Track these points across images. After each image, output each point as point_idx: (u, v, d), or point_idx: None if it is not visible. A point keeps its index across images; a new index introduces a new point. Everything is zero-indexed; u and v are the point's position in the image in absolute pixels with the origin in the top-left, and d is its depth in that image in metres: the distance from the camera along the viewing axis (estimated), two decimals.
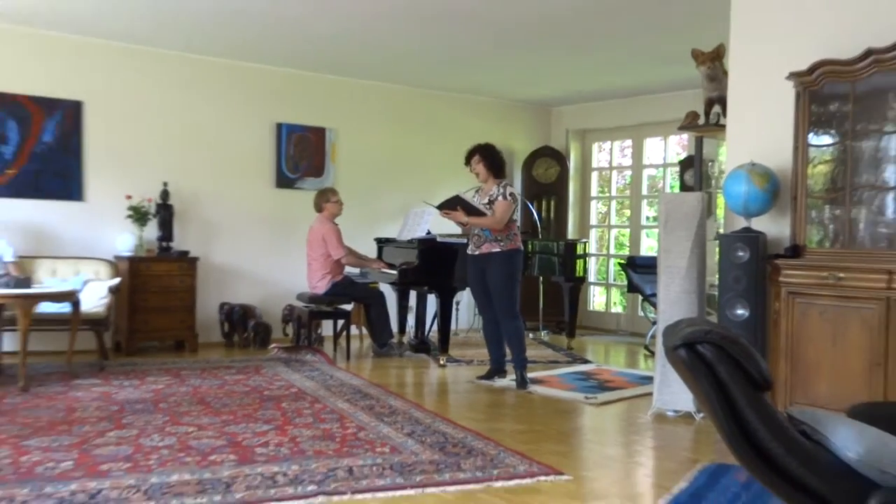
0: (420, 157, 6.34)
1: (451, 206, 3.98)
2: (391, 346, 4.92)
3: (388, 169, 6.19)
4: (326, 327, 5.53)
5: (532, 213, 6.61)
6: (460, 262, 4.56)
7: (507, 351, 4.09)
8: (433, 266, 4.63)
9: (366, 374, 4.39)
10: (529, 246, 5.51)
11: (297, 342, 5.09)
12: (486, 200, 3.99)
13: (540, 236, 6.58)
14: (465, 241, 4.52)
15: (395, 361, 4.82)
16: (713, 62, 3.72)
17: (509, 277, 3.91)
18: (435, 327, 5.14)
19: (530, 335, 6.13)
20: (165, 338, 4.88)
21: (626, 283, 5.88)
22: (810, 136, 3.09)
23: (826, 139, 3.07)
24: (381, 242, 5.40)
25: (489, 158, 4.02)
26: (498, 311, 3.98)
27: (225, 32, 4.54)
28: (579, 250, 5.68)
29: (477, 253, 4.01)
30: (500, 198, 3.96)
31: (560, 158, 6.96)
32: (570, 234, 6.99)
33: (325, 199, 4.81)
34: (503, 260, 3.93)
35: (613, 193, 6.99)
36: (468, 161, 4.09)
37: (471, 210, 3.95)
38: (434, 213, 4.55)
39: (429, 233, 4.92)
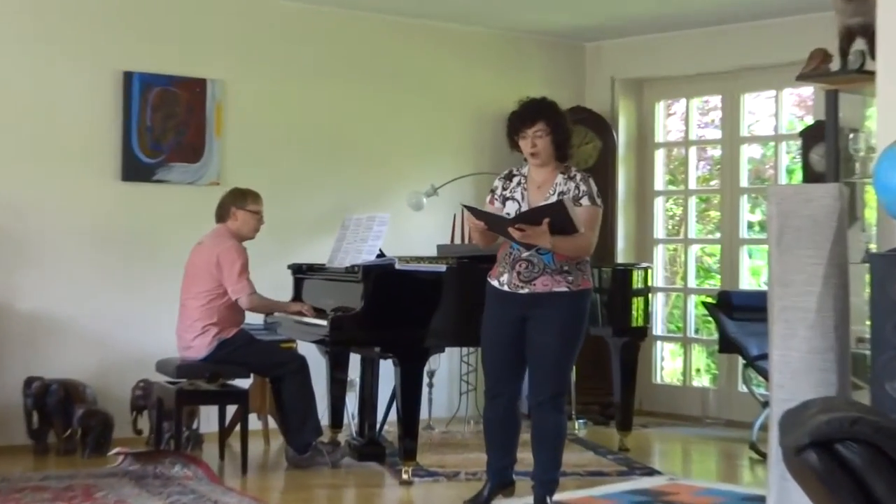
0: (372, 127, 6.53)
1: (535, 217, 3.83)
2: (318, 451, 5.03)
3: (317, 148, 6.36)
4: (208, 418, 5.55)
5: None
6: (438, 304, 4.71)
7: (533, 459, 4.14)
8: (390, 312, 4.75)
9: (275, 498, 4.49)
10: None
11: (158, 444, 5.18)
12: (552, 199, 3.95)
13: None
14: (441, 267, 4.74)
15: (325, 475, 4.91)
16: None
17: (575, 337, 3.98)
18: (394, 416, 5.08)
19: None
20: None
21: (715, 336, 5.98)
22: None
23: None
24: (301, 272, 5.57)
25: (561, 133, 4.01)
26: (535, 392, 4.03)
27: None
28: (636, 282, 5.71)
29: (524, 292, 3.98)
30: (586, 202, 3.96)
31: (601, 127, 7.07)
32: (621, 254, 7.14)
33: (239, 204, 5.04)
34: (572, 307, 3.97)
35: (692, 185, 7.14)
36: (522, 126, 3.98)
37: (559, 221, 3.82)
38: (389, 219, 4.90)
39: (382, 254, 5.00)
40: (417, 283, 4.78)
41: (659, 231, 7.27)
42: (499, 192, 4.08)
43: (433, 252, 5.39)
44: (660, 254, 7.28)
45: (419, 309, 4.75)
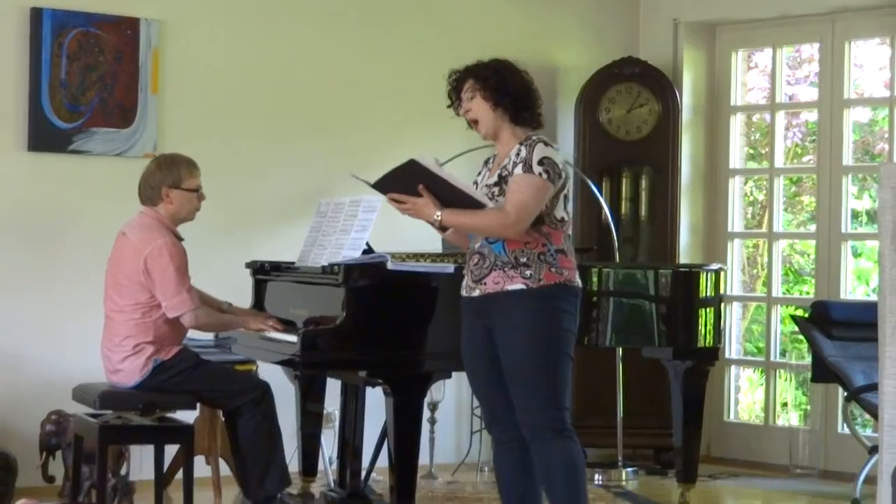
0: (359, 83, 6.53)
1: (406, 183, 4.15)
2: None
3: (285, 110, 6.40)
4: (141, 462, 5.54)
5: (601, 207, 6.75)
6: (443, 315, 4.71)
7: None
8: (380, 325, 4.74)
9: None
10: (593, 278, 5.40)
11: (75, 496, 5.13)
12: (492, 180, 4.23)
13: (617, 257, 6.70)
14: (449, 267, 4.73)
15: None
16: None
17: (547, 345, 4.11)
18: (384, 461, 4.97)
19: (596, 477, 6.23)
20: None
21: (808, 361, 6.03)
22: None
23: None
24: (264, 272, 5.57)
25: (499, 86, 4.23)
26: (523, 419, 4.15)
27: None
28: (705, 288, 5.65)
29: (476, 294, 4.20)
30: (518, 169, 4.13)
31: (659, 85, 7.15)
32: (684, 252, 7.15)
33: (171, 182, 4.95)
34: (532, 308, 4.12)
35: (779, 162, 7.14)
36: (454, 94, 4.29)
37: (450, 195, 4.11)
38: (381, 203, 4.77)
39: (370, 249, 4.98)
40: (416, 287, 4.80)
41: (735, 222, 7.21)
42: (480, 178, 4.31)
43: (437, 247, 5.38)
44: (736, 252, 7.21)
45: (418, 322, 4.77)
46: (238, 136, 6.29)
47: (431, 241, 5.69)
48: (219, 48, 6.27)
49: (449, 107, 4.31)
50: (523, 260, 4.12)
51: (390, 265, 4.77)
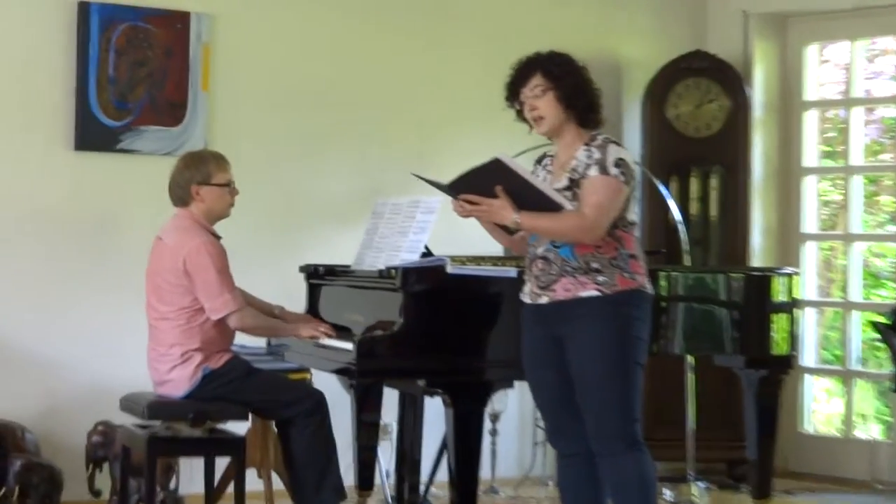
0: (415, 79, 6.57)
1: (481, 184, 4.13)
2: None
3: (339, 107, 6.41)
4: (191, 475, 5.55)
5: (668, 208, 6.67)
6: (505, 321, 4.72)
7: None
8: (440, 332, 4.77)
9: None
10: (662, 283, 5.40)
11: None
12: (561, 183, 4.20)
13: (686, 260, 6.61)
14: (511, 271, 4.71)
15: None
16: None
17: (621, 355, 4.15)
18: (444, 475, 4.98)
19: (666, 492, 6.21)
20: None
21: (889, 370, 5.98)
22: None
23: None
24: (318, 276, 5.56)
25: (567, 84, 4.24)
26: (593, 433, 4.18)
27: None
28: (778, 293, 5.61)
29: (544, 301, 4.20)
30: (594, 171, 4.13)
31: (729, 80, 7.12)
32: (757, 255, 7.13)
33: (201, 179, 4.98)
34: (609, 316, 4.14)
35: (857, 160, 7.08)
36: (516, 89, 4.28)
37: (527, 196, 4.10)
38: (440, 204, 4.80)
39: (428, 252, 4.98)
40: (477, 292, 4.80)
41: (810, 223, 7.21)
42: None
43: (498, 250, 5.37)
44: (811, 255, 7.21)
45: (479, 328, 4.78)
46: (290, 134, 6.32)
47: (493, 243, 5.56)
48: (271, 43, 6.32)
49: (509, 99, 4.30)
50: (595, 265, 4.11)
51: (450, 269, 4.75)
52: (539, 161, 4.37)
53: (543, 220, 4.10)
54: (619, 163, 4.09)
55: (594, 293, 4.09)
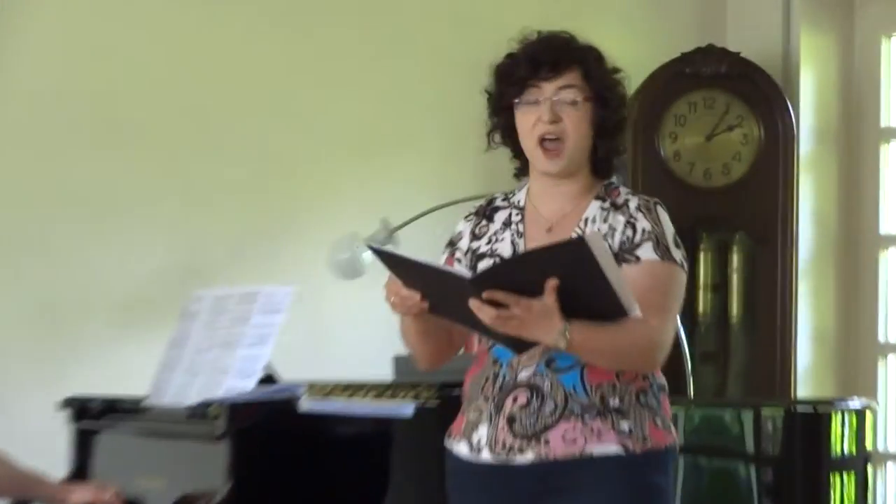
0: (261, 101, 6.11)
1: (515, 275, 3.44)
2: None
3: (126, 139, 5.88)
4: None
5: None
6: (401, 487, 4.40)
7: None
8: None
9: None
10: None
11: None
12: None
13: (690, 387, 6.03)
14: (406, 408, 4.37)
15: None
16: None
17: None
18: None
19: None
20: None
21: None
22: None
23: None
24: (90, 416, 4.96)
25: (613, 103, 3.61)
26: None
27: None
28: (838, 441, 5.26)
29: (524, 460, 3.53)
30: (648, 251, 3.53)
31: (762, 93, 6.29)
32: (806, 377, 6.38)
33: None
34: (629, 487, 3.48)
35: None
36: (532, 78, 3.53)
37: (579, 298, 3.43)
38: (290, 297, 4.57)
39: (271, 379, 4.44)
40: (349, 442, 4.27)
41: (893, 325, 6.26)
42: (464, 242, 3.65)
43: (385, 372, 4.85)
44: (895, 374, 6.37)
45: (351, 498, 4.23)
46: (62, 181, 5.67)
47: (378, 358, 5.29)
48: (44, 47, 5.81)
49: (501, 98, 3.61)
50: (615, 403, 3.45)
51: (305, 404, 4.25)
52: (483, 212, 3.70)
53: (605, 336, 3.37)
54: (679, 242, 3.57)
55: (615, 450, 3.39)
